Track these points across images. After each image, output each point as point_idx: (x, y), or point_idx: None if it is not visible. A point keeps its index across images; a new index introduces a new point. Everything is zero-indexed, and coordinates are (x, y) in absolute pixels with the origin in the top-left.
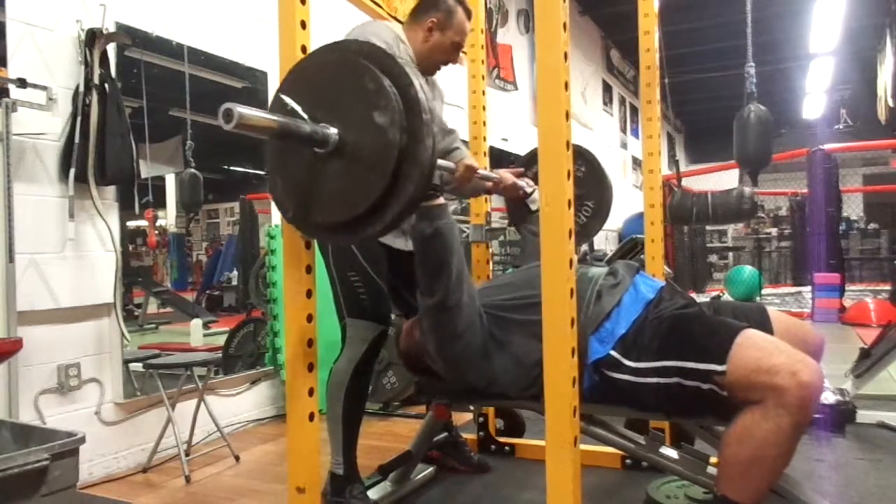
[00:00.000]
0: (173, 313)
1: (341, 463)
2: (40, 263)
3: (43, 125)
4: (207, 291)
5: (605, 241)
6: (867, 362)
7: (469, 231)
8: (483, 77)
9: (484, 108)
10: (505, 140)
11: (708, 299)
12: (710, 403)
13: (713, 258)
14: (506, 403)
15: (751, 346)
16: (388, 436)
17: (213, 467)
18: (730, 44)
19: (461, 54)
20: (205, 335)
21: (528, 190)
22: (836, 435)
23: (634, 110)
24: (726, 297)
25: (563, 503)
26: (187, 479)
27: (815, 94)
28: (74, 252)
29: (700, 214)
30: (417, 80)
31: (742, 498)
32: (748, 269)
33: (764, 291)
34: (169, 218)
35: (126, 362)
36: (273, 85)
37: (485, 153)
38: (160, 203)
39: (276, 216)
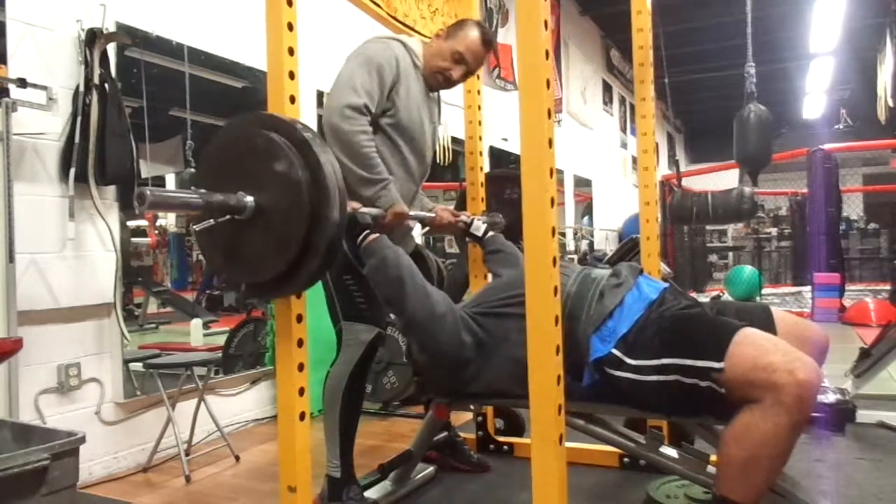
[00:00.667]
0: (173, 313)
1: (338, 466)
2: (40, 263)
3: (43, 125)
4: (207, 291)
5: (605, 241)
6: (867, 362)
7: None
8: (479, 77)
9: (480, 108)
10: (505, 140)
11: (708, 299)
12: (709, 402)
13: (713, 258)
14: (505, 403)
15: (749, 343)
16: (388, 436)
17: (213, 467)
18: (730, 44)
19: (460, 70)
20: (205, 335)
21: (467, 221)
22: (836, 435)
23: (634, 110)
24: (726, 296)
25: (549, 501)
26: (187, 479)
27: (815, 94)
28: (74, 252)
29: (700, 214)
30: (325, 156)
31: (741, 497)
32: (748, 269)
33: (764, 291)
34: (169, 218)
35: (126, 362)
36: None
37: (481, 153)
38: None
39: None
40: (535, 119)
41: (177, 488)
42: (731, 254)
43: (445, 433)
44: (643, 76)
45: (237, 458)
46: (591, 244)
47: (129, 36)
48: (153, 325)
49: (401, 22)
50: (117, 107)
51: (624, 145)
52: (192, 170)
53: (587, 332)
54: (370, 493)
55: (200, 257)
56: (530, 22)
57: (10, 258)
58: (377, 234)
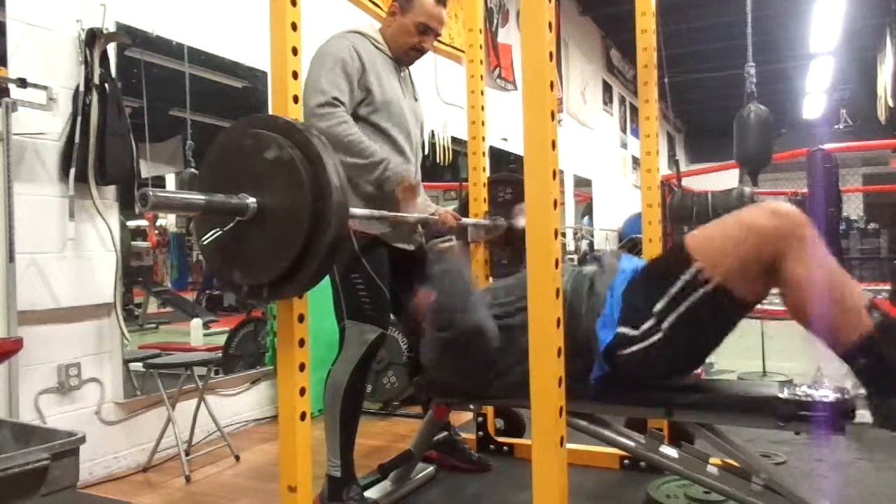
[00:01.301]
0: (173, 313)
1: (338, 465)
2: (40, 263)
3: (43, 125)
4: (207, 291)
5: (605, 241)
6: None
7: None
8: (482, 77)
9: (483, 108)
10: (505, 140)
11: None
12: (714, 311)
13: None
14: (504, 403)
15: (701, 234)
16: (388, 436)
17: (214, 467)
18: (730, 44)
19: (430, 39)
20: (205, 335)
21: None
22: (836, 435)
23: (634, 110)
24: None
25: (550, 503)
26: (187, 479)
27: (815, 94)
28: (74, 252)
29: (700, 214)
30: (327, 156)
31: (863, 325)
32: None
33: None
34: (169, 218)
35: (126, 362)
36: None
37: (483, 153)
38: None
39: None
40: (538, 121)
41: (177, 488)
42: None
43: (445, 433)
44: (647, 77)
45: (237, 458)
46: (591, 244)
47: (129, 36)
48: (153, 325)
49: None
50: (117, 107)
51: (624, 145)
52: (192, 170)
53: (592, 325)
54: (370, 493)
55: (200, 257)
56: (534, 24)
57: (10, 258)
58: (450, 244)
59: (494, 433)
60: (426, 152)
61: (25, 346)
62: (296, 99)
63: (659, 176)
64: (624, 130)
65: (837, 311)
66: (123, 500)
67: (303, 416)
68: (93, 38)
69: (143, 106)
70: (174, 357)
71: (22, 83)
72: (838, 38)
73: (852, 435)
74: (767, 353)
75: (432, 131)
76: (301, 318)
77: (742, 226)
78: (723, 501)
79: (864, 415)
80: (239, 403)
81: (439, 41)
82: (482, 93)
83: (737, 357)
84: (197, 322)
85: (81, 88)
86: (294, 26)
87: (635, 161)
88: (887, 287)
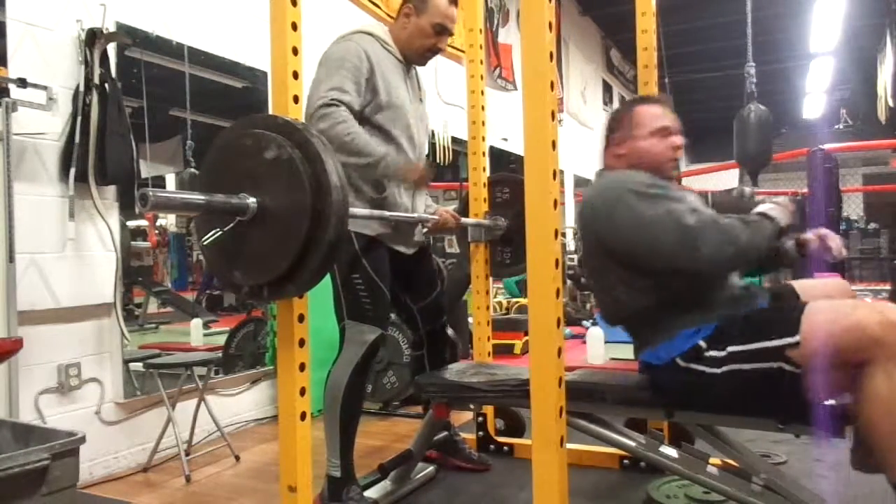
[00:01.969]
0: (173, 313)
1: (338, 466)
2: (40, 263)
3: (43, 125)
4: (207, 291)
5: None
6: None
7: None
8: (482, 77)
9: (483, 109)
10: (505, 140)
11: None
12: (773, 388)
13: None
14: (503, 402)
15: (818, 312)
16: (388, 436)
17: (214, 467)
18: (730, 44)
19: (446, 38)
20: (205, 335)
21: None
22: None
23: None
24: None
25: (550, 503)
26: (187, 479)
27: (815, 94)
28: (74, 252)
29: None
30: (327, 156)
31: None
32: None
33: None
34: (169, 218)
35: (126, 362)
36: None
37: (484, 153)
38: None
39: None
40: (539, 121)
41: (177, 488)
42: None
43: (445, 433)
44: (647, 77)
45: (237, 457)
46: None
47: (129, 36)
48: (153, 325)
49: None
50: (117, 107)
51: None
52: (193, 170)
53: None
54: (370, 493)
55: (200, 257)
56: (534, 24)
57: (10, 258)
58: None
59: (494, 433)
60: (426, 152)
61: (25, 346)
62: (296, 99)
63: None
64: None
65: None
66: (123, 500)
67: (303, 416)
68: (93, 38)
69: (143, 106)
70: (174, 357)
71: (22, 83)
72: (838, 38)
73: (852, 435)
74: None
75: (432, 131)
76: (301, 318)
77: (851, 317)
78: (723, 501)
79: None
80: (239, 403)
81: None
82: (482, 93)
83: None
84: (197, 322)
85: (81, 88)
86: (294, 26)
87: None
88: (887, 287)
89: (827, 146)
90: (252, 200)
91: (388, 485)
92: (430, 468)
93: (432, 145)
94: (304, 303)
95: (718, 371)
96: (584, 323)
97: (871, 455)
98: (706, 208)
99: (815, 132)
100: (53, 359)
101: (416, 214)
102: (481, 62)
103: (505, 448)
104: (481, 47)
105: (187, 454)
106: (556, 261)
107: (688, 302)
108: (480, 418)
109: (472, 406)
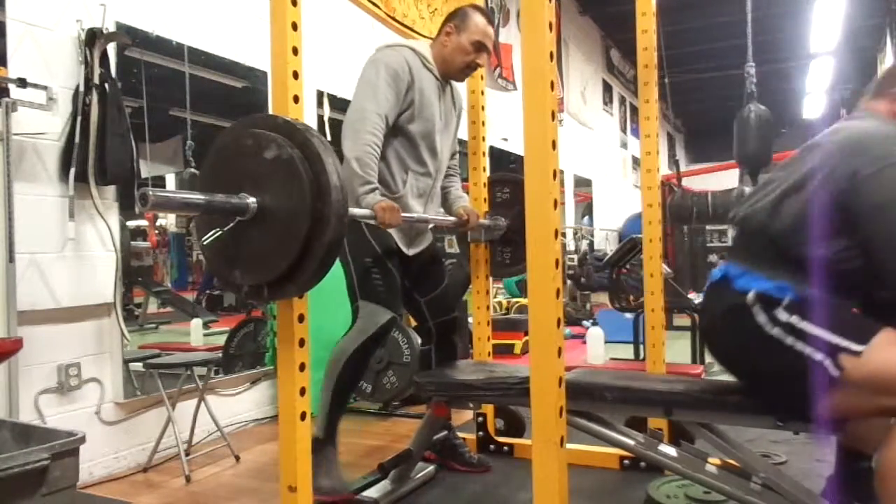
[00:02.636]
0: (173, 313)
1: (323, 427)
2: (40, 263)
3: (43, 125)
4: (207, 291)
5: (605, 241)
6: None
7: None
8: (482, 77)
9: (483, 108)
10: (505, 140)
11: None
12: (807, 376)
13: (713, 258)
14: (503, 401)
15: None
16: (388, 436)
17: (214, 467)
18: (730, 44)
19: (484, 55)
20: (205, 335)
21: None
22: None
23: (634, 110)
24: None
25: (550, 503)
26: (187, 479)
27: (815, 94)
28: (74, 252)
29: (700, 214)
30: (327, 156)
31: None
32: None
33: None
34: (169, 218)
35: (126, 362)
36: None
37: (484, 153)
38: None
39: None
40: (539, 121)
41: (177, 488)
42: None
43: (445, 433)
44: (647, 77)
45: (237, 458)
46: (591, 244)
47: (129, 36)
48: (153, 325)
49: (399, 22)
50: (117, 107)
51: (624, 145)
52: (193, 170)
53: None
54: (370, 493)
55: (200, 257)
56: (534, 24)
57: (10, 258)
58: None
59: (494, 433)
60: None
61: (25, 346)
62: (296, 99)
63: (659, 176)
64: (624, 130)
65: None
66: (123, 500)
67: (303, 416)
68: (93, 38)
69: (143, 106)
70: (174, 357)
71: (22, 83)
72: (838, 38)
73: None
74: None
75: None
76: (301, 318)
77: None
78: (723, 501)
79: None
80: (239, 403)
81: None
82: (482, 93)
83: None
84: (197, 322)
85: (81, 88)
86: (294, 26)
87: (635, 161)
88: None
89: None
90: (252, 200)
91: (388, 484)
92: (430, 468)
93: None
94: (304, 303)
95: (768, 329)
96: (584, 323)
97: (850, 489)
98: None
99: (814, 132)
100: (53, 359)
101: (415, 215)
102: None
103: (505, 448)
104: None
105: (187, 454)
106: (556, 261)
107: (848, 286)
108: (480, 418)
109: (471, 405)
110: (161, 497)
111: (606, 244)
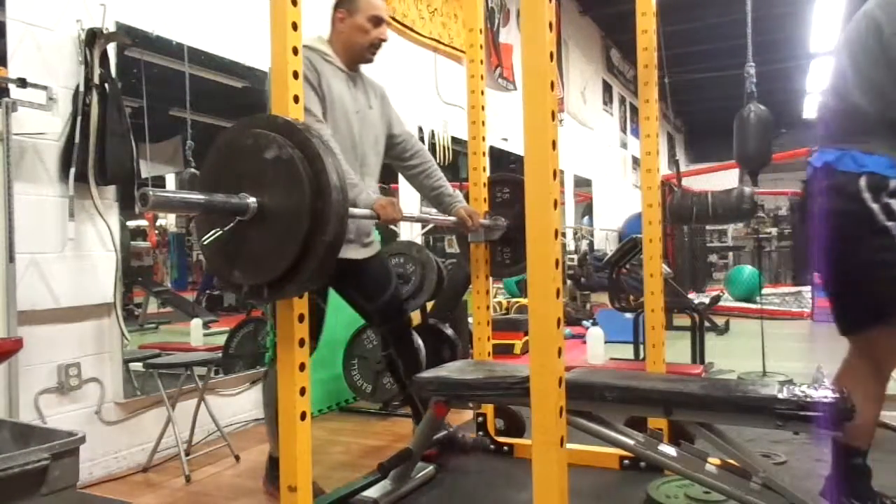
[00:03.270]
0: (173, 313)
1: (278, 448)
2: (40, 263)
3: (43, 125)
4: (207, 291)
5: (605, 240)
6: None
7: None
8: (482, 77)
9: (483, 108)
10: (505, 140)
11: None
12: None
13: (713, 258)
14: (502, 400)
15: None
16: (388, 436)
17: (214, 467)
18: (730, 44)
19: (385, 27)
20: (205, 335)
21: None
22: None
23: (634, 110)
24: (726, 296)
25: (550, 503)
26: (187, 479)
27: (815, 94)
28: (74, 252)
29: (700, 214)
30: (327, 156)
31: None
32: (748, 269)
33: (764, 291)
34: (169, 218)
35: (126, 362)
36: None
37: (484, 153)
38: None
39: None
40: (539, 121)
41: (177, 488)
42: (730, 254)
43: (445, 432)
44: (647, 77)
45: (237, 457)
46: (591, 244)
47: (129, 36)
48: (153, 325)
49: (399, 22)
50: (117, 107)
51: (624, 145)
52: (193, 170)
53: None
54: (370, 493)
55: (200, 257)
56: (534, 24)
57: (10, 258)
58: None
59: (494, 433)
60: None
61: (25, 346)
62: (296, 99)
63: (659, 176)
64: (624, 130)
65: None
66: (123, 500)
67: (303, 416)
68: (93, 38)
69: (143, 106)
70: (174, 357)
71: (22, 83)
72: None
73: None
74: (767, 353)
75: (432, 131)
76: (301, 318)
77: None
78: (723, 501)
79: None
80: (239, 403)
81: (440, 42)
82: (482, 93)
83: (737, 357)
84: (197, 322)
85: (81, 88)
86: (294, 26)
87: (635, 161)
88: None
89: None
90: (252, 200)
91: (388, 484)
92: (430, 468)
93: (432, 145)
94: (303, 303)
95: (886, 221)
96: (584, 323)
97: (845, 486)
98: None
99: (815, 132)
100: (53, 359)
101: (415, 214)
102: (481, 62)
103: (505, 448)
104: (481, 47)
105: (187, 454)
106: (556, 261)
107: None
108: (480, 418)
109: (471, 405)
110: (161, 497)
111: (606, 244)
